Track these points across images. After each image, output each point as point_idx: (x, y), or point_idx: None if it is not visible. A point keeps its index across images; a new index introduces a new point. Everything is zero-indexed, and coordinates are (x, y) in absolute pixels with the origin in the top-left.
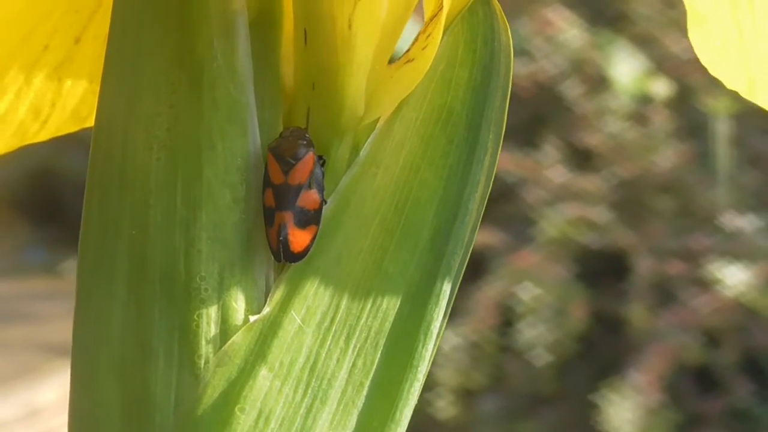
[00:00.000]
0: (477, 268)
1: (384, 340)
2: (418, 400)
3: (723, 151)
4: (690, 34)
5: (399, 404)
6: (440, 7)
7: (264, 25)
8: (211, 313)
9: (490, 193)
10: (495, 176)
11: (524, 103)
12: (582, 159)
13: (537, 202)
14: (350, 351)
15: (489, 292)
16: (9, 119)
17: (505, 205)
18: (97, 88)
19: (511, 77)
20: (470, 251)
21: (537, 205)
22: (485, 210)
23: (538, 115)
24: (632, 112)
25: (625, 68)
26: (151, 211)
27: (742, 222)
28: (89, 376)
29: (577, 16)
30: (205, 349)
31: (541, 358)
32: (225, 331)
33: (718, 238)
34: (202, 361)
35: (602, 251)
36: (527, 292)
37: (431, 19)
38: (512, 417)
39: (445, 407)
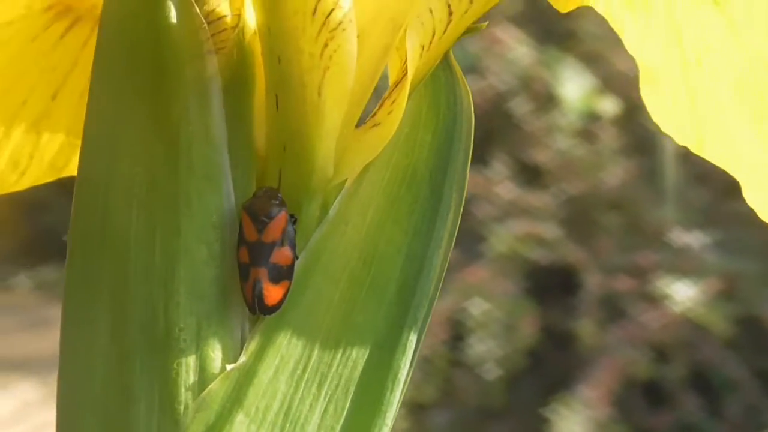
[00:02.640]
0: None
1: (354, 387)
2: None
3: (670, 168)
4: (642, 92)
5: None
6: (404, 74)
7: (237, 91)
8: (190, 362)
9: None
10: None
11: (474, 120)
12: (531, 175)
13: (487, 218)
14: (322, 397)
15: (439, 307)
16: None
17: None
18: (74, 141)
19: (472, 139)
20: (434, 303)
21: (487, 221)
22: None
23: (487, 132)
24: (580, 129)
25: (573, 86)
26: (131, 266)
27: (690, 238)
28: (74, 421)
29: (526, 35)
30: (185, 396)
31: (492, 372)
32: (203, 379)
33: (666, 255)
34: (182, 407)
35: (551, 267)
36: (477, 308)
37: (396, 85)
38: (462, 430)
39: (396, 421)
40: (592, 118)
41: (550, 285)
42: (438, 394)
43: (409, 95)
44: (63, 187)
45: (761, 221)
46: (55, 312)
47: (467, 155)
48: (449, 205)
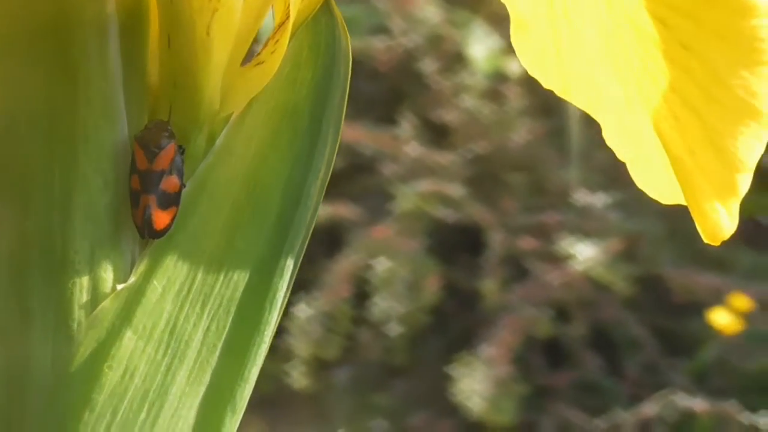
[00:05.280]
0: (333, 242)
1: (235, 307)
2: (275, 370)
3: (575, 130)
4: (512, 39)
5: (248, 364)
6: (287, 17)
7: (132, 30)
8: (84, 282)
9: (348, 167)
10: (353, 150)
11: (382, 78)
12: (438, 135)
13: (393, 176)
14: (205, 316)
15: (344, 264)
16: None
17: (362, 179)
18: None
19: (349, 78)
20: (311, 230)
21: (393, 180)
22: (343, 184)
23: (395, 91)
24: (487, 89)
25: (481, 46)
26: (31, 194)
27: (593, 199)
28: None
29: None
30: (78, 314)
31: (395, 330)
32: (95, 298)
33: (569, 215)
34: (75, 324)
35: (456, 226)
36: (382, 265)
37: (279, 27)
38: (365, 388)
39: (298, 378)
40: (499, 78)
41: (455, 244)
42: (341, 351)
43: (291, 36)
44: None
45: None
46: None
47: (344, 93)
48: (326, 139)
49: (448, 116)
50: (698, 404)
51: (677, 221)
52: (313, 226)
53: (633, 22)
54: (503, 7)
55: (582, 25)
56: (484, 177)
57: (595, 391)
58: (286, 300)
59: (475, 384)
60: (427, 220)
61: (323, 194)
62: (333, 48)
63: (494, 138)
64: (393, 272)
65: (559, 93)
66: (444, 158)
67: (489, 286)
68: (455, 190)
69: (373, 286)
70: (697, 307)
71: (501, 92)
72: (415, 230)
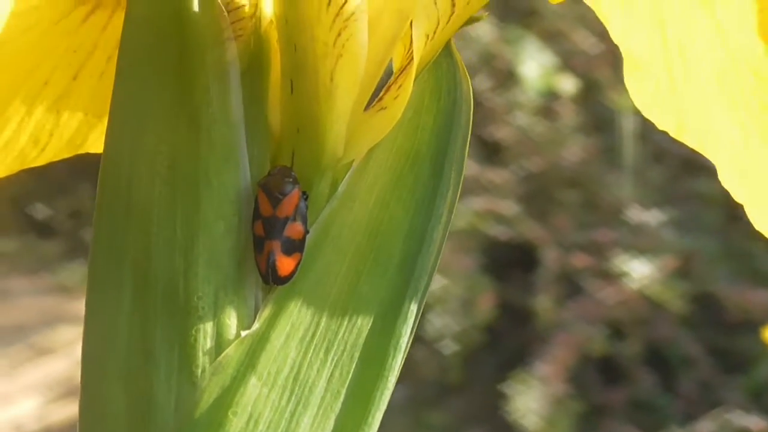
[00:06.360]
0: None
1: (359, 353)
2: None
3: (628, 147)
4: (625, 79)
5: (371, 410)
6: (409, 61)
7: (254, 75)
8: (207, 328)
9: None
10: None
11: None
12: (491, 152)
13: None
14: (329, 362)
15: None
16: (11, 146)
17: None
18: (91, 120)
19: (471, 122)
20: (433, 275)
21: None
22: None
23: None
24: (540, 106)
25: (534, 64)
26: (153, 238)
27: (647, 216)
28: (98, 383)
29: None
30: (202, 360)
31: (449, 347)
32: (219, 344)
33: (622, 232)
34: (199, 371)
35: (510, 243)
36: (436, 283)
37: (401, 72)
38: (420, 406)
39: None
40: (552, 96)
41: (508, 261)
42: None
43: (414, 81)
44: None
45: (716, 200)
46: (15, 283)
47: (466, 138)
48: (448, 184)
49: (501, 133)
50: (754, 422)
51: (732, 239)
52: (435, 270)
53: (751, 63)
54: (556, 23)
55: (697, 66)
56: (538, 194)
57: (649, 408)
58: (409, 345)
59: (530, 402)
60: (480, 238)
61: (445, 239)
62: (455, 92)
63: (547, 155)
64: (447, 290)
65: (673, 134)
66: (497, 176)
67: (543, 303)
68: (508, 207)
69: (427, 303)
70: (751, 325)
71: (553, 109)
72: (469, 248)
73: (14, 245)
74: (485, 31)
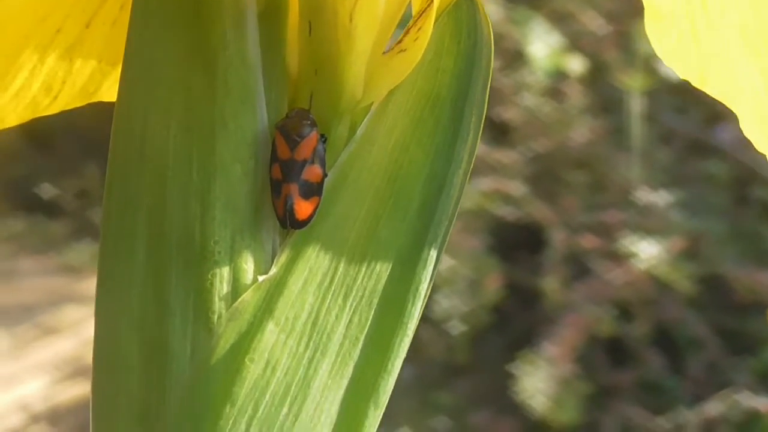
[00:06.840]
0: None
1: (377, 299)
2: None
3: (636, 128)
4: (647, 30)
5: (391, 357)
6: (430, 3)
7: (271, 17)
8: (224, 273)
9: None
10: None
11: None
12: (498, 133)
13: None
14: (347, 308)
15: None
16: (23, 94)
17: None
18: (105, 68)
19: (491, 66)
20: (454, 221)
21: None
22: None
23: None
24: (548, 87)
25: (541, 44)
26: (168, 183)
27: (655, 197)
28: (112, 332)
29: None
30: (218, 306)
31: (457, 328)
32: (236, 289)
33: (631, 213)
34: (216, 317)
35: (517, 224)
36: (443, 264)
37: (421, 14)
38: (427, 386)
39: None
40: (560, 76)
41: (516, 242)
42: None
43: (434, 23)
44: (32, 138)
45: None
46: (22, 263)
47: (487, 81)
48: (469, 128)
49: (509, 114)
50: (762, 403)
51: (740, 220)
52: (455, 216)
53: None
54: (563, 5)
55: (720, 15)
56: (545, 175)
57: (657, 390)
58: (429, 291)
59: (537, 382)
60: (488, 218)
61: (465, 185)
62: (475, 35)
63: (555, 136)
64: (454, 270)
65: (695, 83)
66: (505, 156)
67: (550, 284)
68: (516, 188)
69: (434, 284)
70: (760, 306)
71: (561, 90)
72: (477, 228)
73: (21, 225)
74: (493, 11)
